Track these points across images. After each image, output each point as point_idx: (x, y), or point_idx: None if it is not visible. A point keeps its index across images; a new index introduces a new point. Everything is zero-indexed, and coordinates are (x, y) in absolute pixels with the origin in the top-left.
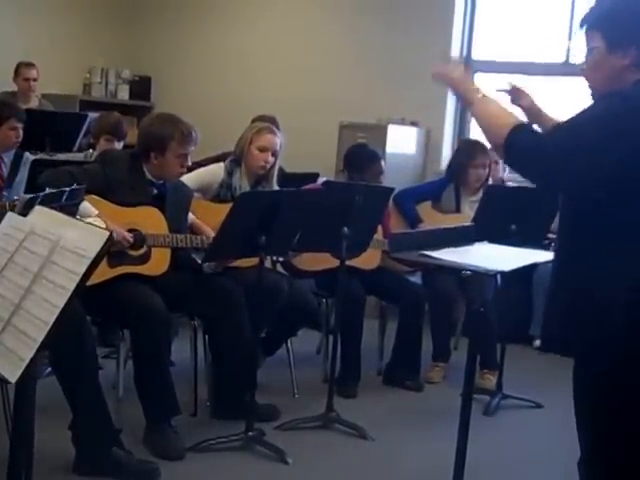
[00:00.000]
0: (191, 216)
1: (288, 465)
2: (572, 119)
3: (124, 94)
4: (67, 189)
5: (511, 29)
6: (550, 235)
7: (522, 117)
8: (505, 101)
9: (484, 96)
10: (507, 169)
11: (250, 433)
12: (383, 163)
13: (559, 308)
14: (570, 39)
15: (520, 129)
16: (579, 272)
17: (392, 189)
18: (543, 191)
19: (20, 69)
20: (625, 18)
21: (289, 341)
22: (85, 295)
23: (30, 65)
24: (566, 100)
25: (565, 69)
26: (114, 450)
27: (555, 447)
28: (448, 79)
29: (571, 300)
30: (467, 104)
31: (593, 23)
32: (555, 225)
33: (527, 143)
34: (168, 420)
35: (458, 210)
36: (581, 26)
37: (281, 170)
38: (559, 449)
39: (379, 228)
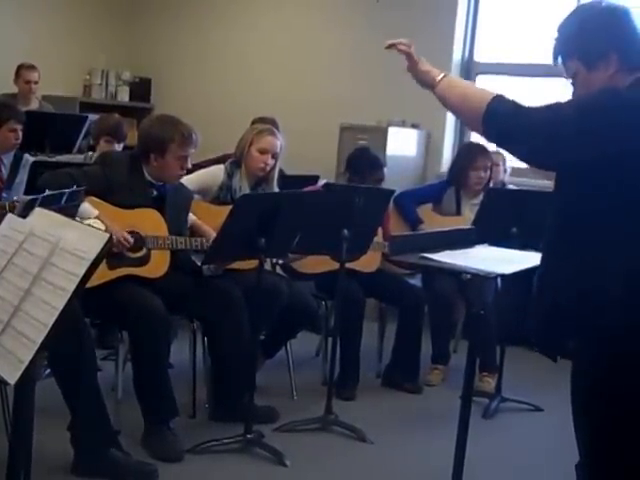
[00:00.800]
0: (192, 217)
1: (286, 467)
2: (561, 102)
3: (124, 96)
4: (67, 191)
5: (513, 31)
6: None
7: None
8: None
9: (445, 75)
10: (508, 172)
11: (249, 435)
12: (385, 170)
13: (550, 310)
14: None
15: (500, 99)
16: (572, 273)
17: (392, 191)
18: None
19: (21, 71)
20: (591, 34)
21: (288, 343)
22: (84, 297)
23: (31, 67)
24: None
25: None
26: (112, 451)
27: (554, 450)
28: (409, 53)
29: (565, 301)
30: (430, 85)
31: (565, 52)
32: None
33: (507, 111)
34: (167, 422)
35: (459, 213)
36: (555, 60)
37: (281, 172)
38: (558, 452)
39: (379, 230)
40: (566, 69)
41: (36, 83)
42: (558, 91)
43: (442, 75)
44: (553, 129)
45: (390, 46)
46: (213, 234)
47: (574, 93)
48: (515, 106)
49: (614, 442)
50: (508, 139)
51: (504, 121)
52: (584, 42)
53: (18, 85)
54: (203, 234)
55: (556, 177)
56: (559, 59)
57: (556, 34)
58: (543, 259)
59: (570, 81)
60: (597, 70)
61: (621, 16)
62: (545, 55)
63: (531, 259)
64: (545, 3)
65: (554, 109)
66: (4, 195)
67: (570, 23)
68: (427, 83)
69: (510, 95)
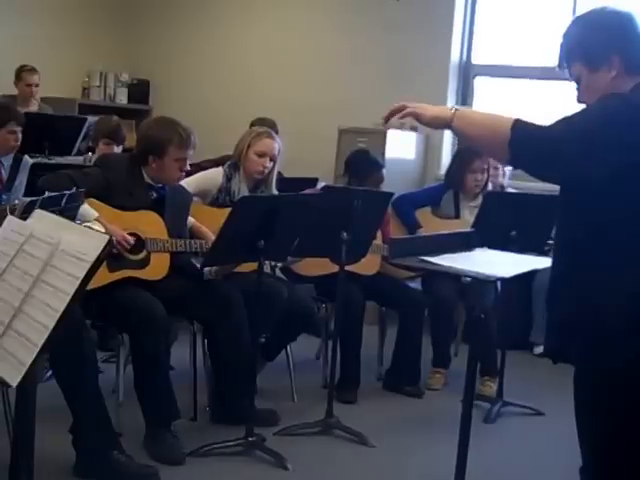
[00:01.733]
0: (191, 219)
1: (288, 471)
2: (575, 115)
3: (123, 98)
4: (67, 193)
5: (511, 33)
6: (550, 241)
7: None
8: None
9: (456, 109)
10: (507, 175)
11: (250, 438)
12: (384, 171)
13: (559, 316)
14: None
15: (521, 124)
16: (579, 279)
17: (391, 194)
18: (546, 181)
19: (22, 74)
20: (593, 36)
21: (289, 346)
22: (85, 299)
23: (32, 70)
24: (566, 104)
25: (566, 73)
26: (114, 454)
27: (556, 454)
28: (411, 113)
29: (571, 307)
30: (445, 124)
31: (569, 58)
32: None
33: (533, 134)
34: (168, 424)
35: (457, 216)
36: (560, 67)
37: (279, 174)
38: (560, 456)
39: (379, 233)
40: (571, 74)
41: (37, 86)
42: (555, 93)
43: (452, 111)
44: (569, 145)
45: (389, 119)
46: (212, 237)
47: (579, 97)
48: (538, 128)
49: (617, 446)
50: (539, 163)
51: (532, 145)
52: (587, 45)
53: (19, 87)
54: (202, 237)
55: (564, 190)
56: (564, 64)
57: (561, 39)
58: (553, 265)
59: (575, 86)
60: (599, 72)
61: (624, 20)
62: (542, 57)
63: (531, 262)
64: (542, 5)
65: (570, 123)
66: (4, 197)
67: (574, 28)
68: (441, 125)
69: (509, 98)
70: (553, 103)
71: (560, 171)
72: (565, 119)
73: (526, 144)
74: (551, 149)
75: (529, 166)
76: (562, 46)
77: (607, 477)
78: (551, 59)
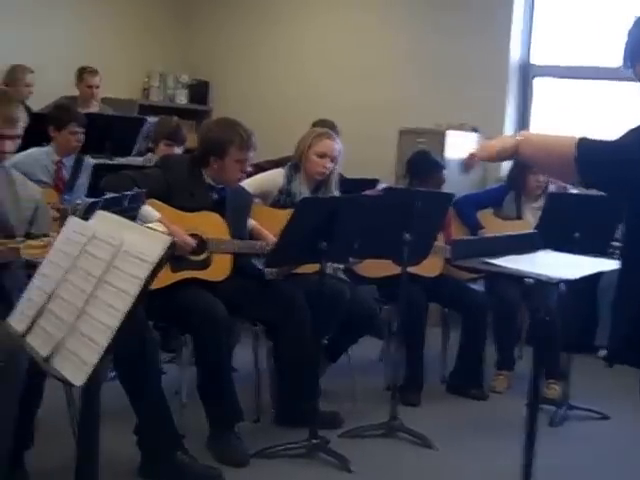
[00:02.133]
0: (252, 221)
1: (351, 473)
2: None
3: (182, 98)
4: (128, 193)
5: (571, 33)
6: (614, 243)
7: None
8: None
9: (521, 136)
10: None
11: (314, 440)
12: (445, 172)
13: (622, 317)
14: None
15: (586, 141)
16: None
17: (452, 195)
18: (619, 198)
19: (83, 75)
20: None
21: (350, 348)
22: (147, 300)
23: (94, 72)
24: (628, 105)
25: (626, 73)
26: (179, 455)
27: (623, 458)
28: (482, 159)
29: (634, 310)
30: (511, 155)
31: (634, 57)
32: (619, 233)
33: (601, 149)
34: (231, 426)
35: (519, 217)
36: (625, 65)
37: (340, 176)
38: (627, 461)
39: (441, 235)
40: (636, 73)
41: (98, 87)
42: (616, 93)
43: (515, 140)
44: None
45: (470, 165)
46: (273, 239)
47: None
48: (603, 142)
49: None
50: (609, 174)
51: (600, 158)
52: None
53: (80, 89)
54: (263, 239)
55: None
56: (628, 64)
57: (625, 39)
58: (622, 268)
59: None
60: None
61: None
62: (603, 57)
63: (594, 264)
64: (602, 4)
65: (638, 132)
66: (66, 197)
67: (638, 28)
68: (507, 157)
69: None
70: (614, 103)
71: (630, 179)
72: (631, 129)
73: (593, 158)
74: (619, 158)
75: (598, 179)
76: (626, 45)
77: None
78: (612, 59)
